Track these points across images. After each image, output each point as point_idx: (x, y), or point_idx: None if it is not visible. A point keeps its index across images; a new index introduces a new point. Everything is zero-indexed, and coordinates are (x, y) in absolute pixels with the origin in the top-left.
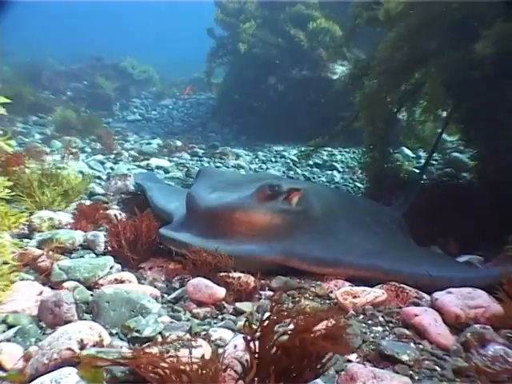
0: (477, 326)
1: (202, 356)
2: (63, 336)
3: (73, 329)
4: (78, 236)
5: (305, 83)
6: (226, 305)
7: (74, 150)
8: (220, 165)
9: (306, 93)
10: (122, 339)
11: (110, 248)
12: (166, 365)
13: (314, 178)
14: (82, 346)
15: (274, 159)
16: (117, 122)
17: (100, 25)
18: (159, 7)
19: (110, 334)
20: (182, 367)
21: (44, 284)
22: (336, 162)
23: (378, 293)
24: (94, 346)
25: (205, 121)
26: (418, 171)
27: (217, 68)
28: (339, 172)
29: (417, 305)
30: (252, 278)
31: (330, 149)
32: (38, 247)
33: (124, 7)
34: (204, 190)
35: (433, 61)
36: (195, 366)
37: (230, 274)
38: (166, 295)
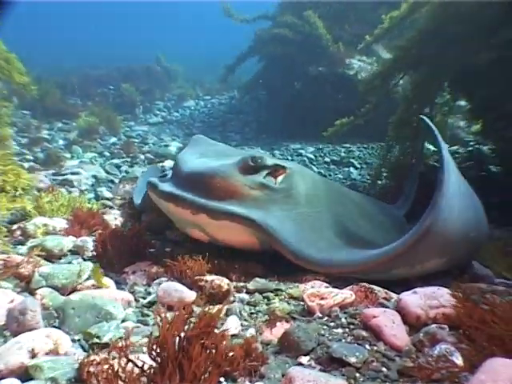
0: (434, 325)
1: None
2: (14, 346)
3: (26, 338)
4: (67, 242)
5: (322, 80)
6: (195, 308)
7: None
8: None
9: (323, 89)
10: (82, 346)
11: (95, 253)
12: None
13: (330, 175)
14: (33, 355)
15: (290, 157)
16: (139, 124)
17: (129, 25)
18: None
19: (73, 341)
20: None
21: (22, 291)
22: (354, 158)
23: (346, 294)
24: (47, 354)
25: (225, 121)
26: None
27: (238, 68)
28: (356, 169)
29: (383, 306)
30: (226, 281)
31: (348, 145)
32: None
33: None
34: (192, 154)
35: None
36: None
37: (203, 277)
38: (142, 299)
